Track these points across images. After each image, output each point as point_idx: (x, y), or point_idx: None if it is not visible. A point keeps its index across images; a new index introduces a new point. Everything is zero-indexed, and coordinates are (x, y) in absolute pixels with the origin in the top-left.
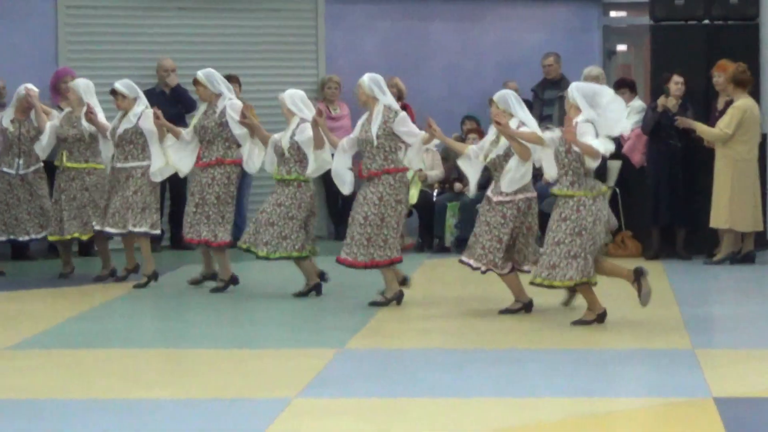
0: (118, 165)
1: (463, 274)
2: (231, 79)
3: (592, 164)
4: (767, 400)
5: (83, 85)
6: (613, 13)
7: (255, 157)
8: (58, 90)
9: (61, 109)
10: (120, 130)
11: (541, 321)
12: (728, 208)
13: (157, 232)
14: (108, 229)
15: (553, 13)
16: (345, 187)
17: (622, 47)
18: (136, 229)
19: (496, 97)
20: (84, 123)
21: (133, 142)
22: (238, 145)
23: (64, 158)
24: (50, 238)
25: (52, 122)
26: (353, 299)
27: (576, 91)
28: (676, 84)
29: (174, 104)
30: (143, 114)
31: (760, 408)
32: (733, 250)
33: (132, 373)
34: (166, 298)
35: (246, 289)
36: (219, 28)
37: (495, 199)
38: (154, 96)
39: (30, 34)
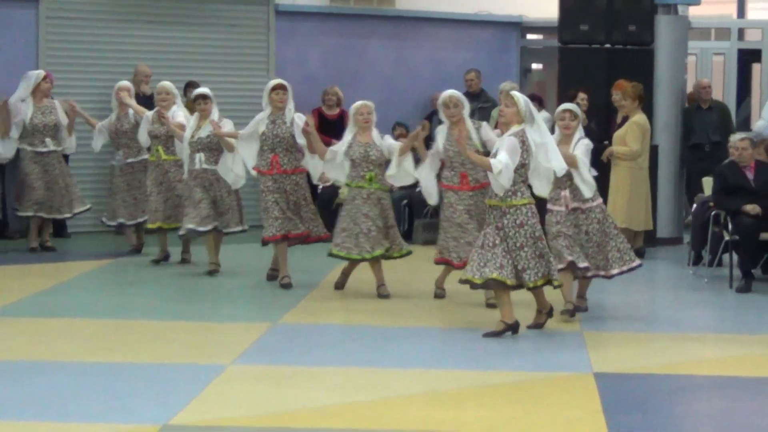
0: (205, 166)
1: (387, 263)
2: (191, 84)
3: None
4: (641, 376)
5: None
6: (529, 36)
7: (315, 168)
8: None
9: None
10: (202, 135)
11: (450, 304)
12: (625, 209)
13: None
14: (200, 228)
15: (476, 34)
16: (432, 198)
17: (537, 66)
18: (229, 229)
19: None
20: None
21: (216, 149)
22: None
23: (162, 152)
24: (150, 226)
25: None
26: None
27: (523, 101)
28: (582, 100)
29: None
30: (213, 123)
31: (634, 382)
32: (633, 246)
33: (90, 339)
34: (126, 275)
35: (200, 271)
36: (182, 39)
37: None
38: (137, 99)
39: (13, 41)
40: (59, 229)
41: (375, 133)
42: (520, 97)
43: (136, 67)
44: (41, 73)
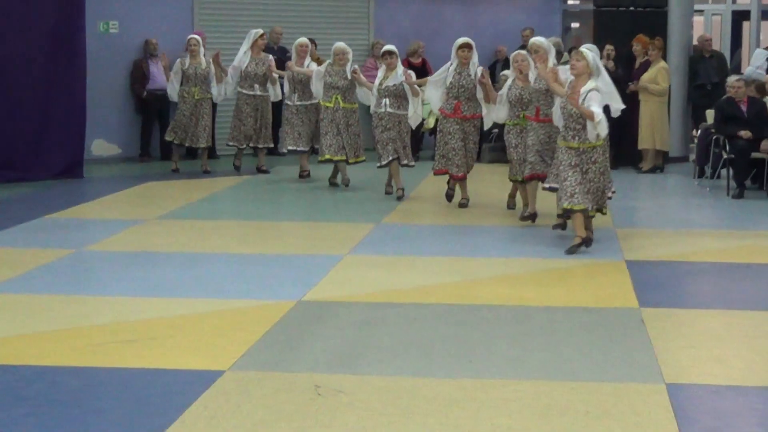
0: (390, 110)
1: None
2: (310, 41)
3: (599, 129)
4: (661, 262)
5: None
6: (569, 1)
7: (491, 115)
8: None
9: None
10: (389, 83)
11: (509, 213)
12: (660, 135)
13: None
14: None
15: (528, 1)
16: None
17: (575, 24)
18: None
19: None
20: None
21: (400, 96)
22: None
23: (340, 100)
24: (322, 158)
25: (317, 70)
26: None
27: (591, 55)
28: (610, 51)
29: (282, 55)
30: (405, 73)
31: (656, 267)
32: (655, 163)
33: (237, 236)
34: (265, 186)
35: (321, 185)
36: (302, 5)
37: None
38: (270, 51)
39: (174, 7)
40: (211, 151)
41: (531, 77)
42: (588, 52)
43: (272, 28)
44: (259, 31)
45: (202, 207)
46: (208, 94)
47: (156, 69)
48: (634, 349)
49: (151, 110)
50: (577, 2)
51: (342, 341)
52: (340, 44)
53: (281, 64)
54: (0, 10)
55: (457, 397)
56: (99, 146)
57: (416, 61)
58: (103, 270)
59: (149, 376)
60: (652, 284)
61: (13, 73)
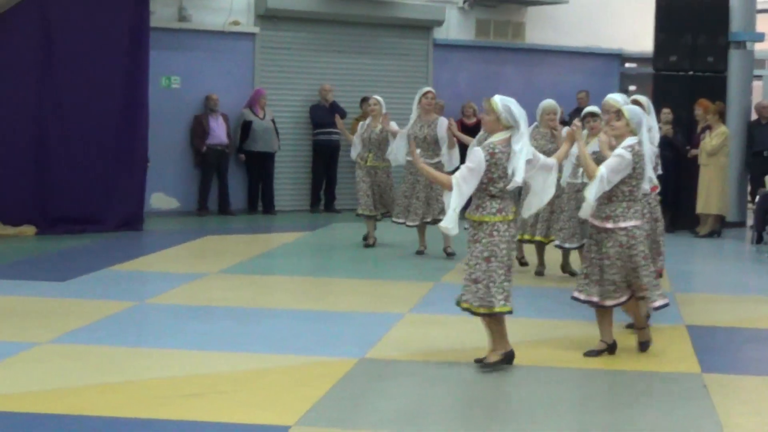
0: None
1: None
2: (365, 99)
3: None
4: (727, 329)
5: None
6: (627, 64)
7: None
8: (255, 103)
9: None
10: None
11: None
12: (712, 198)
13: None
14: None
15: (586, 63)
16: None
17: (633, 88)
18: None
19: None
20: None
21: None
22: None
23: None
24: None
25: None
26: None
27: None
28: (666, 114)
29: (331, 114)
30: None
31: (720, 333)
32: (713, 228)
33: (296, 292)
34: (322, 245)
35: (383, 247)
36: (363, 65)
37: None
38: (318, 108)
39: (236, 64)
40: (268, 206)
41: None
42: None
43: (321, 85)
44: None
45: (261, 262)
46: (383, 161)
47: (216, 124)
48: (698, 416)
49: (209, 165)
50: (635, 65)
51: (405, 399)
52: (550, 102)
53: (330, 121)
54: (67, 65)
55: None
56: (158, 199)
57: (470, 121)
58: (167, 323)
59: (217, 430)
60: (714, 350)
61: (78, 127)
